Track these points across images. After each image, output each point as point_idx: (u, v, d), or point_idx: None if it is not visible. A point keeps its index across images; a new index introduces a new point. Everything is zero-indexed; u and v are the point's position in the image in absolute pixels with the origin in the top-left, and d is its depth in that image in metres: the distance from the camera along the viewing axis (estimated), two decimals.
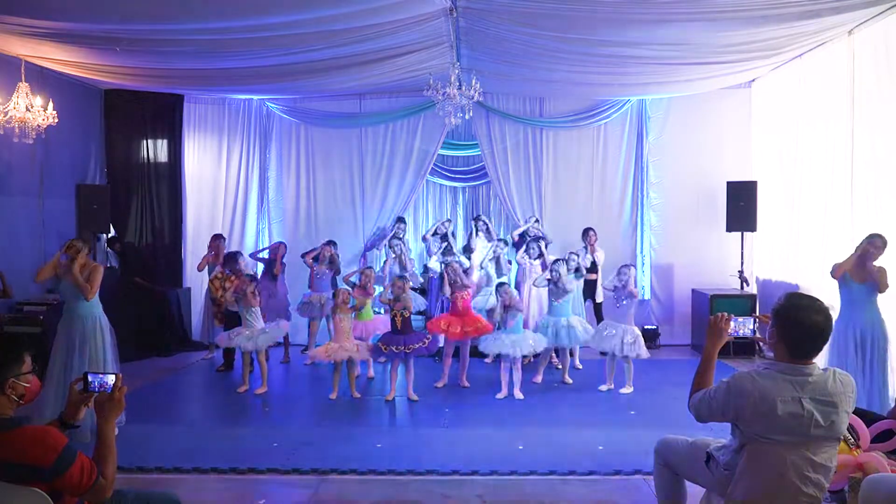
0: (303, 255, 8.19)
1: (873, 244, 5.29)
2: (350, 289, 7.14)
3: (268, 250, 8.47)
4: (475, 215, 9.14)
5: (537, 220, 8.71)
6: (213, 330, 8.01)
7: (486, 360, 7.65)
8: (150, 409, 6.08)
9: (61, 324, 5.29)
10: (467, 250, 8.50)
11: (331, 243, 8.21)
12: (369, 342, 6.90)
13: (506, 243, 8.23)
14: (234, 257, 7.47)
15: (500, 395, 6.46)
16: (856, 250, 5.37)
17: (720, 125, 9.07)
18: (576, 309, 7.44)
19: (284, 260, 8.28)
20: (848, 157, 6.59)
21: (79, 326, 5.21)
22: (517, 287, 7.93)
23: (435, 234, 8.38)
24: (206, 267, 8.17)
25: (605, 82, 8.38)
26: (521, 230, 8.58)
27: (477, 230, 8.58)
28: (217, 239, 8.25)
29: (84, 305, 5.24)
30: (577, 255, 7.46)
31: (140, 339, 8.27)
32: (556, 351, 7.23)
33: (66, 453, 2.32)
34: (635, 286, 6.79)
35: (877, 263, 5.30)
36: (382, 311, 7.67)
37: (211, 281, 7.71)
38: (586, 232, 8.33)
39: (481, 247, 8.37)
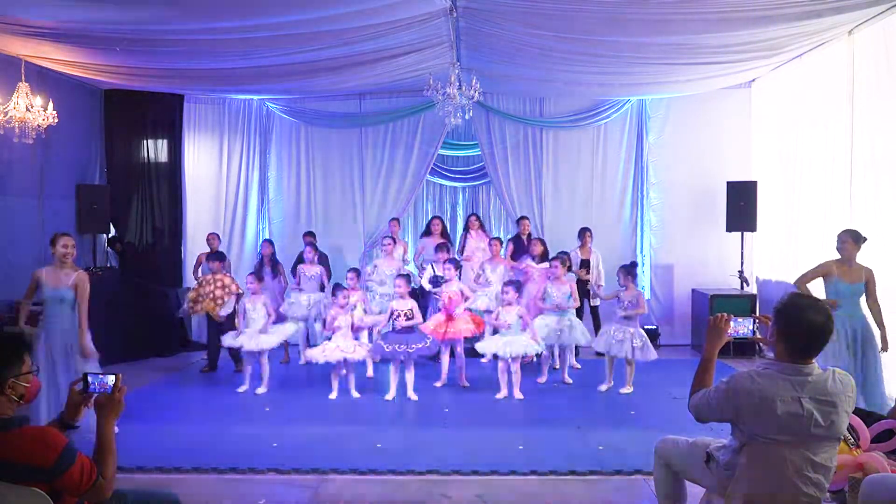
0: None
1: (841, 240, 5.42)
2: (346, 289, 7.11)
3: (258, 254, 8.50)
4: (470, 213, 9.11)
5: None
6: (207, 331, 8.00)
7: (482, 360, 7.64)
8: (150, 409, 6.07)
9: (42, 332, 5.12)
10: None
11: (309, 234, 8.41)
12: (367, 341, 6.90)
13: (501, 242, 8.25)
14: (220, 257, 7.51)
15: (499, 395, 6.45)
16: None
17: (720, 125, 9.07)
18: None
19: (277, 258, 8.30)
20: (847, 157, 6.59)
21: (58, 337, 5.08)
22: (518, 289, 7.90)
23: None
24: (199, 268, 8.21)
25: (605, 82, 8.38)
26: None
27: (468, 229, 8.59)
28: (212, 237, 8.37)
29: (67, 316, 5.12)
30: (567, 254, 7.47)
31: (140, 339, 8.27)
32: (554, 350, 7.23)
33: (67, 453, 2.32)
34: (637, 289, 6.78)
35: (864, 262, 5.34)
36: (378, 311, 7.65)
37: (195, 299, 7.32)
38: (582, 232, 8.35)
39: (475, 247, 8.37)
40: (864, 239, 5.37)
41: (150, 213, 9.22)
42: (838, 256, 5.46)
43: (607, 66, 7.46)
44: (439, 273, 7.40)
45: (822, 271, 5.48)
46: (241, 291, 7.11)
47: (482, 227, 8.68)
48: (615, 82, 8.35)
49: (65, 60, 7.16)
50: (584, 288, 8.12)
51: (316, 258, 7.96)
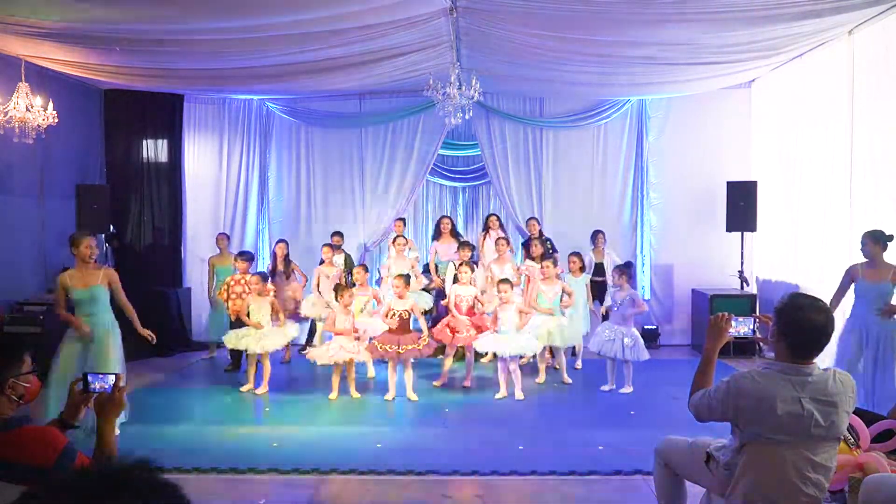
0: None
1: (863, 243, 5.37)
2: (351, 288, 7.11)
3: (271, 254, 8.51)
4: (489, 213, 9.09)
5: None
6: (215, 329, 7.99)
7: (483, 361, 7.60)
8: (150, 409, 6.08)
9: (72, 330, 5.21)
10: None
11: (336, 234, 8.43)
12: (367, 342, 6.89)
13: (507, 243, 8.24)
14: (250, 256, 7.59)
15: (499, 396, 6.45)
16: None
17: (720, 125, 9.07)
18: (580, 310, 7.44)
19: (290, 258, 8.30)
20: (847, 157, 6.59)
21: (98, 333, 5.20)
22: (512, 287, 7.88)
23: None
24: (211, 269, 8.22)
25: (605, 82, 8.38)
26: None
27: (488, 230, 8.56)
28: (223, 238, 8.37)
29: (101, 311, 5.24)
30: (579, 254, 7.47)
31: (140, 339, 8.22)
32: (551, 350, 7.22)
33: (67, 453, 2.31)
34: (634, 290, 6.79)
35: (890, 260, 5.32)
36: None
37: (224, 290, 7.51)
38: (595, 234, 8.36)
39: (489, 249, 8.36)
40: (889, 237, 5.30)
41: (150, 213, 9.22)
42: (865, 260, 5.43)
43: (607, 66, 7.46)
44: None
45: (850, 276, 5.46)
46: (269, 294, 6.99)
47: (501, 227, 8.61)
48: (615, 82, 8.34)
49: (65, 60, 7.16)
50: (596, 290, 8.10)
51: (337, 258, 7.99)
